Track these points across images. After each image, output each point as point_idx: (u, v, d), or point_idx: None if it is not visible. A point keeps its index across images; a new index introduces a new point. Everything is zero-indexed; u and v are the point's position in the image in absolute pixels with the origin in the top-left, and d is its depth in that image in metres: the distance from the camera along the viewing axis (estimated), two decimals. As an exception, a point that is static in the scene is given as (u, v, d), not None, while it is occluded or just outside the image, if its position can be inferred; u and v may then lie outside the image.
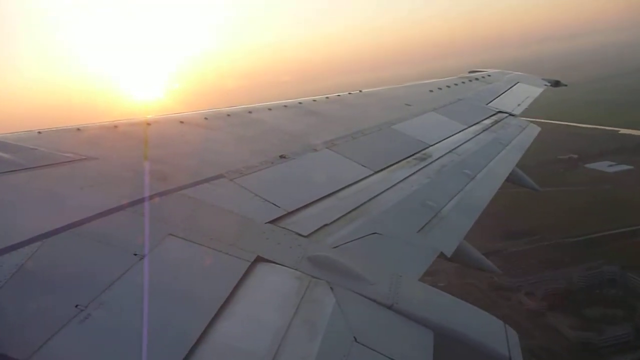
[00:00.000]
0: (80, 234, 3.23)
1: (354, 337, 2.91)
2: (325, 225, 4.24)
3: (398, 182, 5.61)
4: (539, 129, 9.87)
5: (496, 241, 58.35)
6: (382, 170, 5.87)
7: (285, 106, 7.60)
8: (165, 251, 3.30)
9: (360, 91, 9.76)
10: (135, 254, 3.13)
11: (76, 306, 2.59)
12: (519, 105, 11.35)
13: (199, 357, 2.48)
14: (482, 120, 9.39)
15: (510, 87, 12.96)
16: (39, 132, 4.83)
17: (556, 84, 15.04)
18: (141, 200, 3.81)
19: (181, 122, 6.01)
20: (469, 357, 3.37)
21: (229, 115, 6.60)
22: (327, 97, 8.63)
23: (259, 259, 3.45)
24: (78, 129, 5.09)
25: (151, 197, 3.91)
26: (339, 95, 8.98)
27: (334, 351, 2.77)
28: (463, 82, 12.44)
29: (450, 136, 7.94)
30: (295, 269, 3.45)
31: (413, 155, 6.66)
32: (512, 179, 7.56)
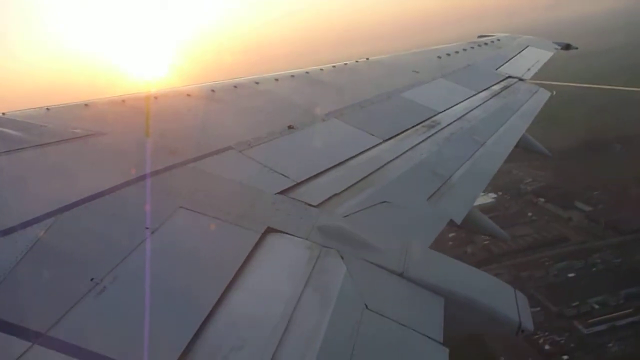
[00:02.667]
0: (92, 209, 3.26)
1: (365, 304, 2.94)
2: (335, 194, 4.25)
3: (407, 150, 5.59)
4: (549, 93, 9.73)
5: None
6: (391, 138, 5.85)
7: (292, 76, 7.53)
8: (176, 224, 3.33)
9: (367, 59, 9.65)
10: (147, 228, 3.17)
11: (91, 279, 2.64)
12: (529, 69, 11.17)
13: (213, 327, 2.53)
14: (492, 86, 9.28)
15: (520, 52, 12.73)
16: (48, 109, 4.84)
17: (567, 47, 14.78)
18: (151, 174, 3.83)
19: (188, 95, 5.99)
20: (479, 322, 3.41)
21: (235, 86, 6.56)
22: (334, 66, 8.54)
23: (270, 230, 3.48)
24: (86, 105, 5.09)
25: (161, 171, 3.93)
26: (345, 64, 8.88)
27: (345, 319, 2.81)
28: (472, 48, 12.23)
29: (459, 103, 7.86)
30: (306, 239, 3.48)
31: (422, 122, 6.61)
32: (522, 145, 7.50)
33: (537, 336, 43.22)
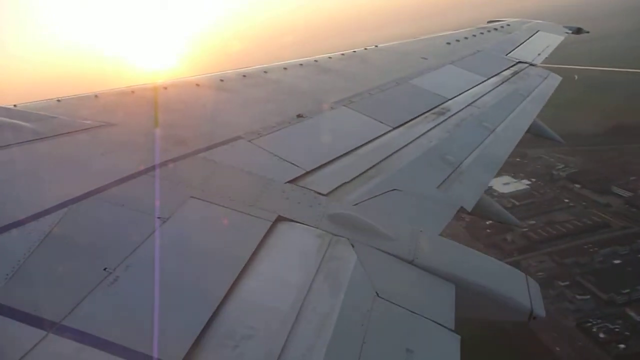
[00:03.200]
0: (104, 199, 3.28)
1: (376, 292, 2.95)
2: (345, 183, 4.24)
3: (417, 138, 5.56)
4: (560, 78, 9.63)
5: None
6: (400, 126, 5.82)
7: (301, 64, 7.51)
8: (187, 214, 3.35)
9: (375, 46, 9.59)
10: (159, 217, 3.19)
11: (104, 269, 2.66)
12: (539, 54, 11.06)
13: (226, 315, 2.54)
14: (502, 72, 9.19)
15: (530, 36, 12.59)
16: (58, 101, 4.87)
17: (578, 31, 14.59)
18: (162, 164, 3.85)
19: (197, 85, 6.00)
20: (490, 309, 3.40)
21: (244, 76, 6.56)
22: (342, 54, 8.50)
23: (280, 219, 3.49)
24: (96, 96, 5.11)
25: (171, 161, 3.95)
26: (354, 52, 8.84)
27: (356, 306, 2.82)
28: (481, 33, 12.12)
29: (469, 89, 7.80)
30: (316, 227, 3.48)
31: (432, 109, 6.58)
32: (533, 131, 7.43)
33: (589, 324, 42.85)
